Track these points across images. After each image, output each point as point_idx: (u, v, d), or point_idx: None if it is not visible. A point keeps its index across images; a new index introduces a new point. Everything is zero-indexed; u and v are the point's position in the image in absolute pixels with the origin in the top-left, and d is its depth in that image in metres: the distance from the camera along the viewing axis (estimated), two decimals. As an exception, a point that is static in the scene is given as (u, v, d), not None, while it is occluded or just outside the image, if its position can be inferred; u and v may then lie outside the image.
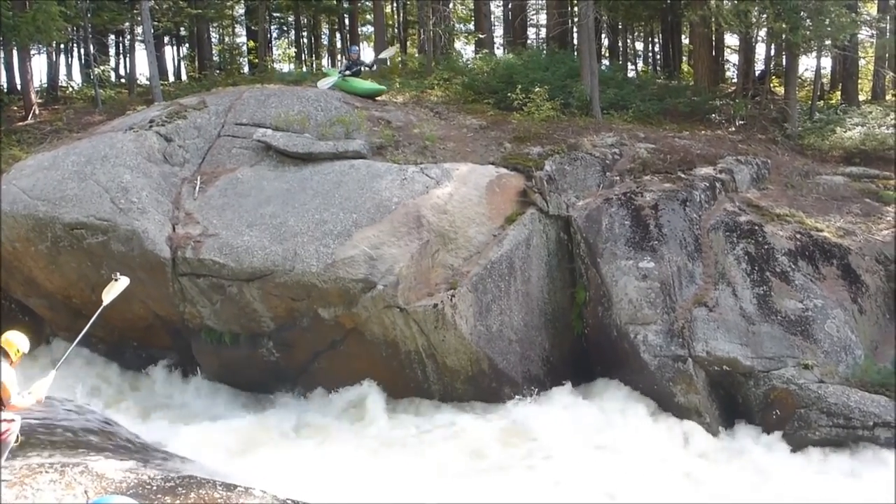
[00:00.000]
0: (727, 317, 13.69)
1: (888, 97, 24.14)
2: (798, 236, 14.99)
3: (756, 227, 15.07)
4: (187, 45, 33.24)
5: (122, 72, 31.38)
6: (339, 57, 36.59)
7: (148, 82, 24.84)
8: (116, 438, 11.28)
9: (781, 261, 14.49)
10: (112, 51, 32.09)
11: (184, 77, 31.28)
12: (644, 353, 13.63)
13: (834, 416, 12.53)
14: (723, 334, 13.47)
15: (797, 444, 12.68)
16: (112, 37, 31.49)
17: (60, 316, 16.17)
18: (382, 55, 21.90)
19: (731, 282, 14.23)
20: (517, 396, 13.95)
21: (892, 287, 14.84)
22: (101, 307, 5.62)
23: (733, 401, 13.53)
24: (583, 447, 12.54)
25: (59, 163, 15.95)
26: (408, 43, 36.08)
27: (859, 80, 25.23)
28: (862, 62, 25.35)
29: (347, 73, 20.25)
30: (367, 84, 20.15)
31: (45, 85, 27.27)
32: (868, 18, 23.26)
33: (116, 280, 5.74)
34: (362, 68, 20.98)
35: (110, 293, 5.72)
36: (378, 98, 19.85)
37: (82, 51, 30.35)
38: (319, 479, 11.03)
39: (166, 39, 32.07)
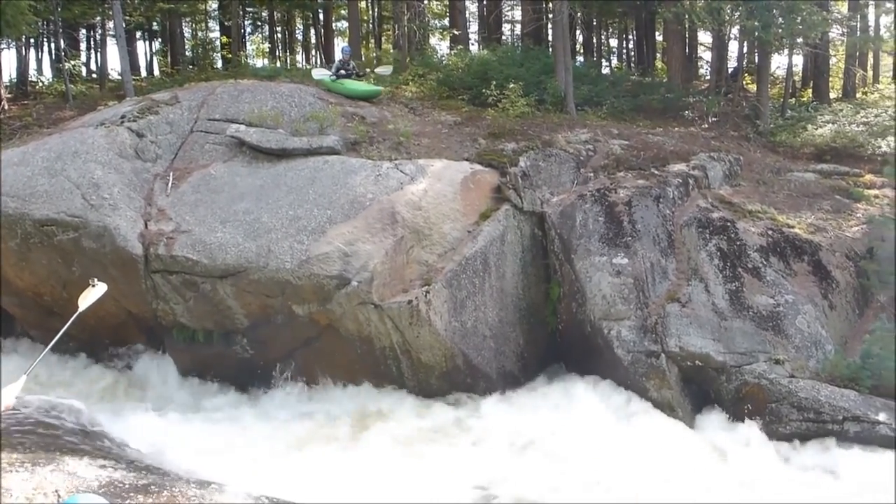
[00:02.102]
0: (700, 312, 13.79)
1: (858, 95, 24.43)
2: (770, 233, 15.12)
3: (728, 224, 15.19)
4: (159, 39, 33.03)
5: (93, 67, 31.11)
6: (313, 52, 36.50)
7: (119, 77, 24.65)
8: (89, 436, 11.20)
9: (753, 257, 14.61)
10: (83, 45, 31.79)
11: (156, 72, 31.10)
12: (617, 348, 13.71)
13: (804, 410, 12.66)
14: (695, 330, 13.57)
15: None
16: (83, 31, 31.18)
17: (31, 314, 16.01)
18: (379, 71, 21.06)
19: (703, 278, 14.34)
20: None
21: (861, 283, 15.01)
22: (77, 313, 5.53)
23: (706, 396, 13.63)
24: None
25: (28, 158, 15.77)
26: (382, 39, 36.06)
27: (830, 78, 25.53)
28: (833, 60, 25.67)
29: (342, 73, 19.67)
30: (362, 85, 19.60)
31: (15, 80, 26.97)
32: (839, 17, 23.59)
33: (94, 286, 5.65)
34: (353, 74, 19.99)
35: (87, 299, 5.62)
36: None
37: (53, 45, 30.11)
38: (295, 475, 11.02)
39: (138, 34, 31.86)
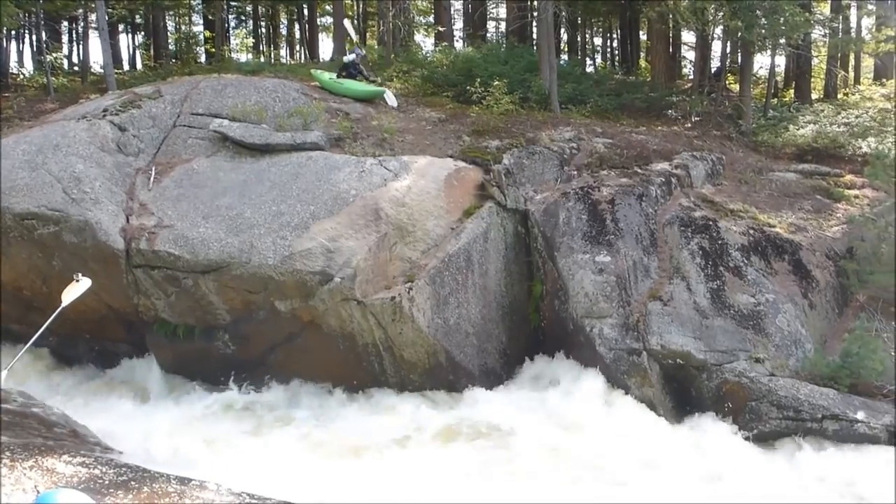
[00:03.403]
0: (681, 311, 13.86)
1: (840, 96, 24.59)
2: (751, 232, 15.21)
3: (710, 223, 15.26)
4: (142, 33, 32.81)
5: (75, 59, 30.86)
6: (297, 48, 36.36)
7: (102, 70, 24.45)
8: (68, 432, 11.13)
9: (735, 256, 14.70)
10: (65, 38, 31.53)
11: (139, 66, 30.84)
12: (600, 346, 13.76)
13: (784, 408, 12.74)
14: (677, 328, 13.63)
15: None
16: (65, 23, 30.91)
17: (10, 308, 15.86)
18: (387, 97, 19.54)
19: (685, 276, 14.41)
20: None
21: (840, 282, 15.13)
22: (60, 308, 5.50)
23: (687, 394, 13.70)
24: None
25: (9, 152, 15.64)
26: (367, 35, 35.97)
27: (812, 79, 25.68)
28: (815, 61, 25.81)
29: (344, 73, 19.32)
30: (363, 86, 19.27)
31: (-4, 71, 26.69)
32: (821, 18, 23.72)
33: (78, 281, 5.61)
34: (360, 76, 19.57)
35: (70, 294, 5.58)
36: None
37: (34, 37, 29.81)
38: (274, 472, 10.99)
39: (121, 27, 31.60)
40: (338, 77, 19.37)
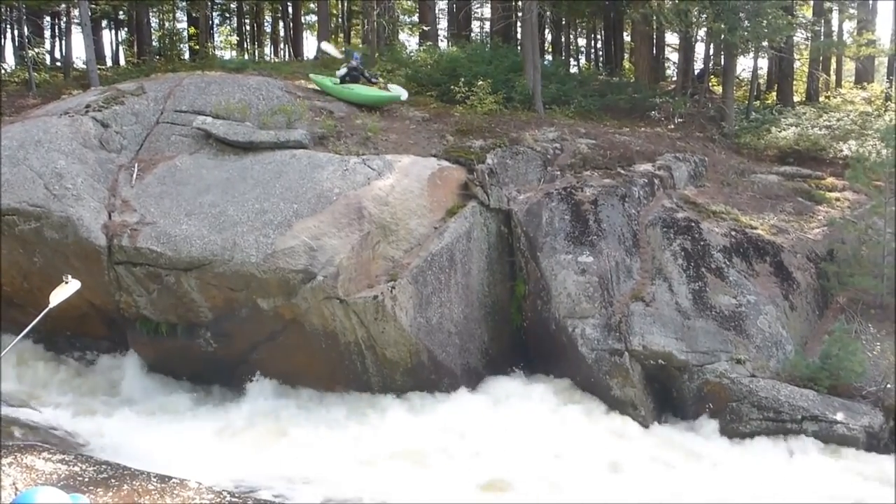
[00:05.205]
0: (663, 311, 13.92)
1: (821, 99, 24.78)
2: (733, 233, 15.30)
3: (693, 224, 15.34)
4: (126, 29, 32.63)
5: (57, 55, 30.66)
6: (281, 46, 36.29)
7: (84, 66, 24.31)
8: (47, 430, 11.07)
9: (717, 257, 14.78)
10: (47, 33, 31.31)
11: (122, 62, 30.68)
12: (581, 346, 13.80)
13: (764, 409, 12.83)
14: (659, 329, 13.69)
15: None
16: (47, 18, 30.72)
17: (-10, 304, 15.78)
18: (393, 88, 19.32)
19: (667, 277, 14.47)
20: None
21: (821, 284, 15.24)
22: (47, 309, 5.47)
23: (668, 394, 13.77)
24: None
25: (-10, 147, 15.52)
26: (351, 33, 35.96)
27: (794, 82, 25.88)
28: (797, 64, 26.02)
29: (347, 78, 18.79)
30: (373, 92, 18.71)
31: (-23, 67, 26.50)
32: (804, 21, 23.93)
33: (67, 282, 5.59)
34: (361, 78, 19.09)
35: (58, 295, 5.55)
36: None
37: (16, 32, 29.61)
38: (255, 470, 10.97)
39: (104, 23, 31.46)
40: (341, 83, 18.96)
